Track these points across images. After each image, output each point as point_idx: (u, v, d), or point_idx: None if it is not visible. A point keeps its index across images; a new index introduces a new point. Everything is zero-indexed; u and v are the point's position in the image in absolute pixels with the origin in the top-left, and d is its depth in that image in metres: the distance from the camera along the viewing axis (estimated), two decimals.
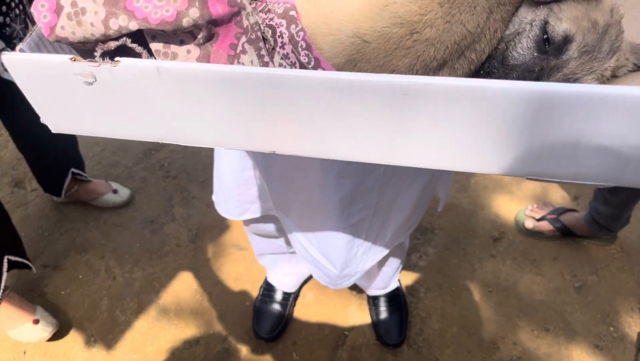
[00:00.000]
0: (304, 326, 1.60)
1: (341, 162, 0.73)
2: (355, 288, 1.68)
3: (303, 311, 1.63)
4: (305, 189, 0.81)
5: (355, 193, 0.79)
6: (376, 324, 1.57)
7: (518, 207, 1.91)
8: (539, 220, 1.80)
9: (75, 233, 1.82)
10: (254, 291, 1.67)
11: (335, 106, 0.39)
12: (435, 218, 1.88)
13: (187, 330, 1.59)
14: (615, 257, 1.78)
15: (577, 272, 1.74)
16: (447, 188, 1.08)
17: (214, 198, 1.16)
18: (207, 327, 1.60)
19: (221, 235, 1.81)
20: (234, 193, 1.01)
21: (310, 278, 1.69)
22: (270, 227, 1.19)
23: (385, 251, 1.03)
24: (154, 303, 1.64)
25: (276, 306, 1.59)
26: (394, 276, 1.55)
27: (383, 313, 1.57)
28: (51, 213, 1.88)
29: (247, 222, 1.17)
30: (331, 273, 0.97)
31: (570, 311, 1.66)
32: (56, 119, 0.50)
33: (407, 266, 1.74)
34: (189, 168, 2.01)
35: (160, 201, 1.91)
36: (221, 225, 1.83)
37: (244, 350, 1.55)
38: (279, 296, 1.60)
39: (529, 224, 1.81)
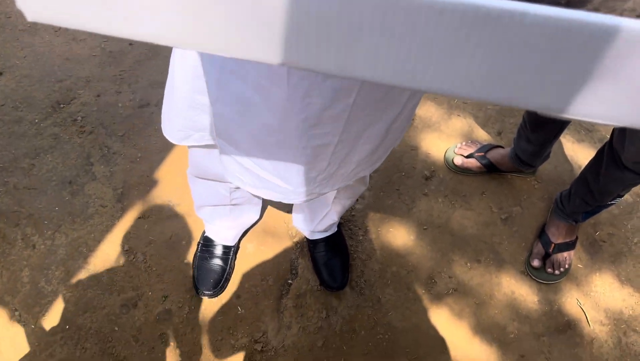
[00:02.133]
0: (246, 278, 1.57)
1: (309, 81, 0.68)
2: (296, 237, 1.67)
3: (244, 264, 1.60)
4: (265, 111, 0.74)
5: (321, 116, 0.73)
6: (319, 269, 1.58)
7: (446, 145, 1.96)
8: (467, 157, 1.86)
9: None
10: (191, 249, 1.60)
11: None
12: None
13: (122, 294, 1.51)
14: (535, 188, 1.89)
15: (503, 205, 1.83)
16: (405, 127, 1.05)
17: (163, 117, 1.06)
18: (144, 289, 1.53)
19: (150, 192, 1.70)
20: (182, 116, 0.93)
21: (249, 229, 1.65)
22: (217, 166, 1.10)
23: (347, 182, 1.00)
24: (82, 270, 1.54)
25: (217, 261, 1.54)
26: (336, 221, 1.55)
27: (325, 258, 1.57)
28: None
29: (194, 156, 1.10)
30: (284, 189, 0.92)
31: (498, 242, 1.75)
32: (41, 1, 0.33)
33: None
34: (106, 122, 1.85)
35: (77, 160, 1.76)
36: (148, 181, 1.73)
37: (186, 308, 1.51)
38: (219, 250, 1.55)
39: (458, 161, 1.86)
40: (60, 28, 2.11)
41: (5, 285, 1.49)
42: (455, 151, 1.89)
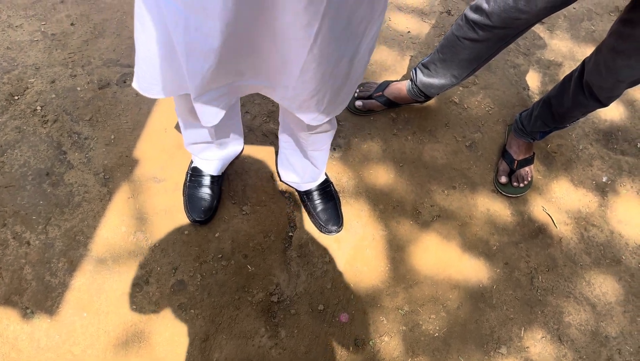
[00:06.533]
0: (250, 238, 1.63)
1: None
2: (287, 192, 1.73)
3: (244, 225, 1.65)
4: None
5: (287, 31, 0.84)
6: (315, 216, 1.66)
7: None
8: (367, 99, 1.95)
9: None
10: (189, 221, 1.63)
11: None
12: None
13: (132, 274, 1.53)
14: (490, 113, 2.05)
15: (465, 133, 1.98)
16: (364, 63, 1.13)
17: (135, 84, 1.08)
18: (152, 265, 1.55)
19: (133, 171, 1.70)
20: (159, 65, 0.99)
21: (235, 160, 1.73)
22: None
23: (322, 117, 1.10)
24: (86, 257, 1.53)
25: (206, 190, 1.64)
26: (322, 169, 1.62)
27: (319, 205, 1.66)
28: None
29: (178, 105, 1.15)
30: (261, 82, 1.03)
31: (467, 167, 1.91)
32: None
33: None
34: (69, 108, 1.79)
35: (49, 150, 1.70)
36: (129, 161, 1.71)
37: (197, 276, 1.55)
38: (206, 180, 1.65)
39: (359, 103, 1.94)
40: None
41: (9, 286, 1.46)
42: (355, 95, 1.97)
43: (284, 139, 1.53)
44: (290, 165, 1.60)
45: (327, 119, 1.15)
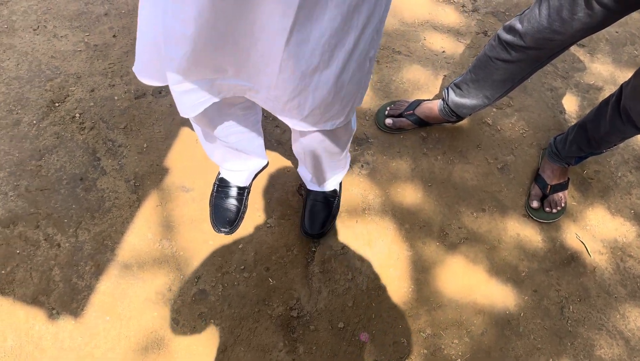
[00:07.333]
0: (272, 251, 1.63)
1: None
2: None
3: (269, 238, 1.65)
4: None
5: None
6: (303, 214, 1.67)
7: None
8: (397, 117, 1.93)
9: None
10: (212, 230, 1.65)
11: None
12: (367, 128, 1.95)
13: (155, 281, 1.55)
14: (524, 136, 2.01)
15: (497, 155, 1.94)
16: (357, 86, 1.08)
17: (134, 67, 1.08)
18: (175, 273, 1.57)
19: (163, 180, 1.73)
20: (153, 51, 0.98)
21: (260, 172, 1.74)
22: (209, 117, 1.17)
23: (308, 123, 1.08)
24: (112, 262, 1.56)
25: (232, 201, 1.66)
26: (336, 175, 1.61)
27: (313, 207, 1.67)
28: None
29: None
30: (244, 84, 1.02)
31: (498, 190, 1.86)
32: None
33: (352, 177, 1.81)
34: (105, 116, 1.85)
35: (84, 156, 1.75)
36: (159, 170, 1.75)
37: (219, 286, 1.56)
38: (233, 192, 1.67)
39: (389, 121, 1.93)
40: (38, 26, 2.07)
41: (37, 286, 1.50)
42: (387, 113, 1.96)
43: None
44: (302, 160, 1.58)
45: (313, 128, 1.12)
